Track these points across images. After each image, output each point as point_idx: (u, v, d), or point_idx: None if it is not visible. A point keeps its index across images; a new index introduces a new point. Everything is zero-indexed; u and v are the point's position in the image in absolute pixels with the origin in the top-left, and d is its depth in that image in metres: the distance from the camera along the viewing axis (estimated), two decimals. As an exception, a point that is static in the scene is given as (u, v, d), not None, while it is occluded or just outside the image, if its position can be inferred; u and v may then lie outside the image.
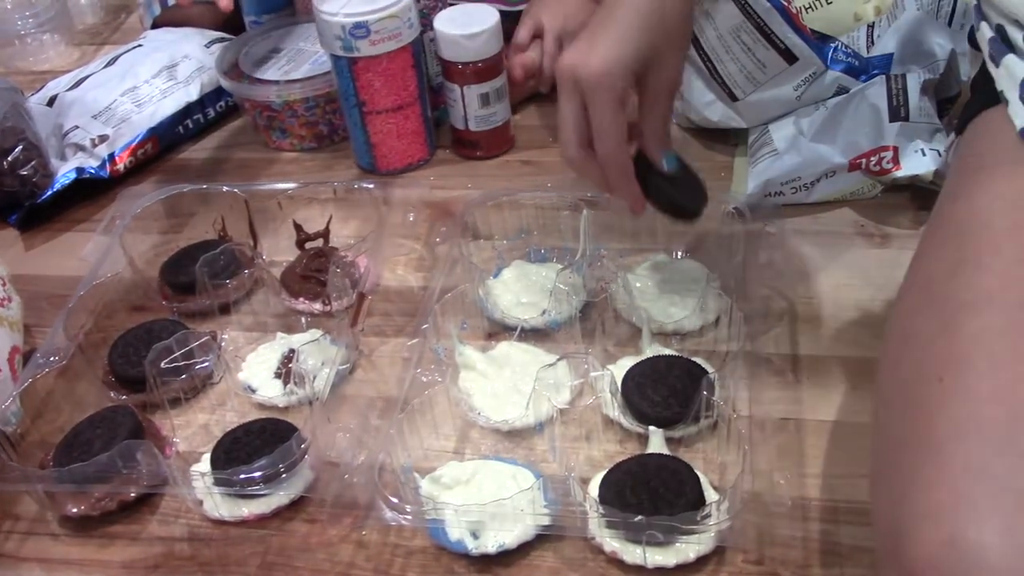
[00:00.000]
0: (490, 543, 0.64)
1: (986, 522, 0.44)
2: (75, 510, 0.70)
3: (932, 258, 0.59)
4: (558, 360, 0.74)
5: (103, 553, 0.69)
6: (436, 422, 0.73)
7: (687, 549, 0.61)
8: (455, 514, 0.64)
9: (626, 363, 0.75)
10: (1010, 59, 0.59)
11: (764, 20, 0.86)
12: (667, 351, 0.76)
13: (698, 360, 0.74)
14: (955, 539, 0.44)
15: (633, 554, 0.62)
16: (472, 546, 0.64)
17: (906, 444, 0.51)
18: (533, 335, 0.80)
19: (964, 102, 0.66)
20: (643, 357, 0.75)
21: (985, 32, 0.63)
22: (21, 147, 0.98)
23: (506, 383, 0.75)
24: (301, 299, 0.86)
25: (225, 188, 0.94)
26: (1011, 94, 0.58)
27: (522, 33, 1.08)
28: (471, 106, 0.99)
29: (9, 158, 0.97)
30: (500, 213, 0.89)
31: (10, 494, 0.73)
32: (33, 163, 0.99)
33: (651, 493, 0.63)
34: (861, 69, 0.92)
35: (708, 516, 0.60)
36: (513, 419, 0.72)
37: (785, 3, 0.87)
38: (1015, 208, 0.56)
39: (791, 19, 0.87)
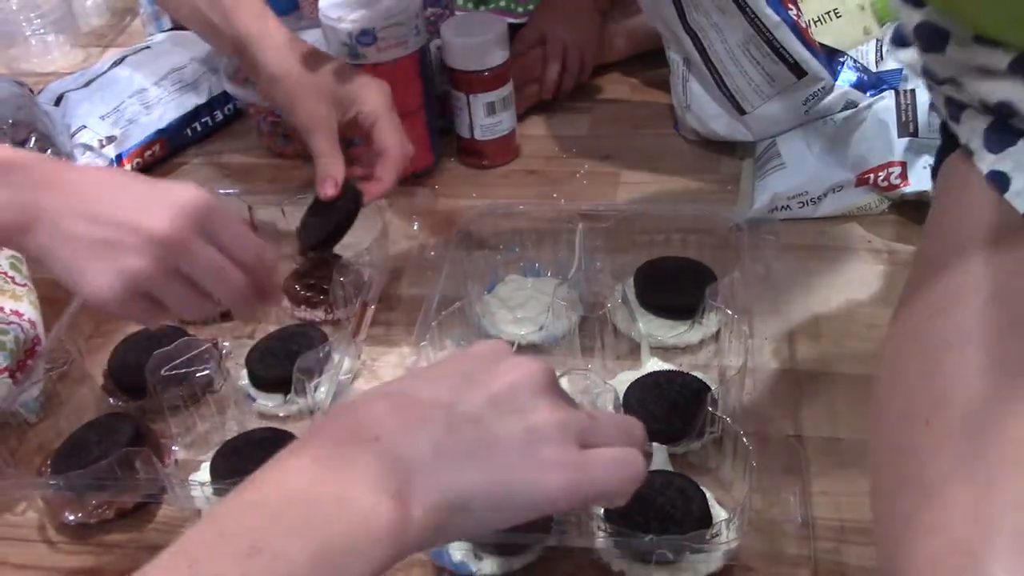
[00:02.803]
0: (494, 565, 0.63)
1: (984, 566, 0.44)
2: (72, 517, 0.70)
3: (914, 299, 0.60)
4: (560, 376, 0.73)
5: (100, 561, 0.68)
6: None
7: (696, 568, 0.61)
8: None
9: (625, 378, 0.74)
10: (968, 113, 0.59)
11: (773, 34, 0.86)
12: (667, 366, 0.76)
13: (697, 374, 0.74)
14: None
15: (641, 573, 0.61)
16: (475, 568, 0.63)
17: (899, 490, 0.51)
18: (530, 351, 0.79)
19: (938, 145, 0.67)
20: (643, 372, 0.75)
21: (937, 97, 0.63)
22: (35, 139, 0.98)
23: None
24: (303, 307, 0.85)
25: (228, 193, 0.93)
26: (975, 144, 0.59)
27: (525, 39, 1.08)
28: (477, 115, 0.99)
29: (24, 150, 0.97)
30: (496, 225, 0.88)
31: (7, 501, 0.72)
32: (48, 153, 0.99)
33: (657, 511, 0.63)
34: (870, 84, 0.91)
35: (718, 535, 0.60)
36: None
37: (795, 17, 0.87)
38: (990, 245, 0.56)
39: (800, 33, 0.87)
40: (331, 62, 0.85)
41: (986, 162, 0.57)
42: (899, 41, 0.67)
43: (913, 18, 0.60)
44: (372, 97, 0.83)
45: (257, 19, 0.86)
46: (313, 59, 0.85)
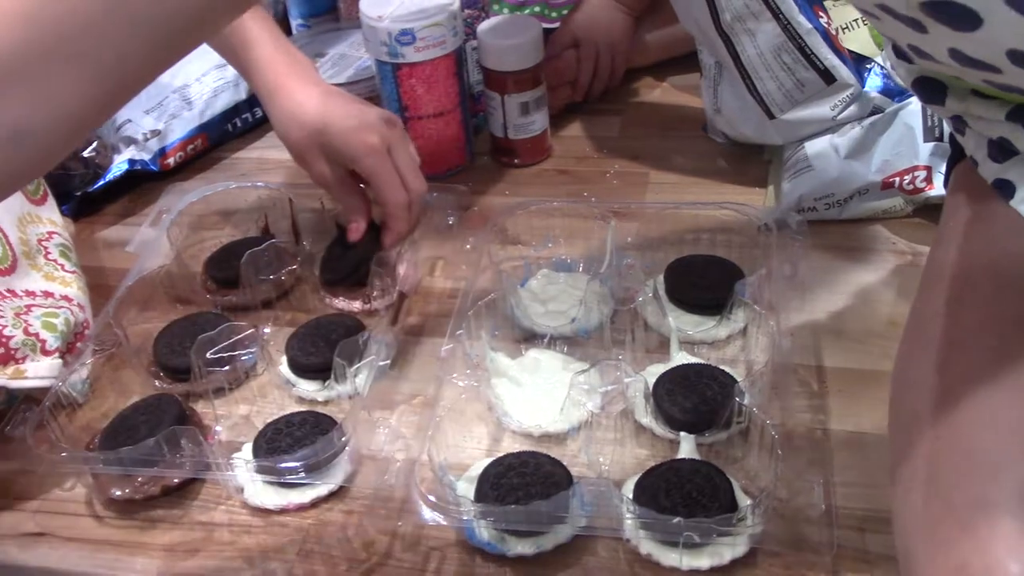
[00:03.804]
0: (526, 546, 0.65)
1: (990, 549, 0.46)
2: (119, 493, 0.72)
3: (921, 302, 0.62)
4: (592, 366, 0.75)
5: (145, 536, 0.71)
6: (469, 425, 0.75)
7: (722, 552, 0.63)
8: (492, 517, 0.65)
9: (654, 370, 0.77)
10: (971, 128, 0.61)
11: (805, 40, 0.88)
12: (695, 359, 0.78)
13: (725, 368, 0.76)
14: (964, 567, 0.46)
15: (668, 556, 0.63)
16: (507, 549, 0.65)
17: (911, 482, 0.53)
18: (562, 343, 0.82)
19: (949, 154, 0.69)
20: (672, 365, 0.77)
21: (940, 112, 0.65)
22: None
23: (537, 389, 0.77)
24: (341, 297, 0.88)
25: (270, 186, 0.96)
26: (979, 155, 0.60)
27: (558, 42, 1.10)
28: (511, 114, 1.01)
29: None
30: (529, 221, 0.91)
31: (58, 476, 0.75)
32: (94, 145, 1.02)
33: (685, 497, 0.65)
34: (897, 90, 0.93)
35: (743, 519, 0.62)
36: (546, 424, 0.74)
37: (826, 25, 0.89)
38: (989, 247, 0.59)
39: (831, 41, 0.89)
40: (326, 121, 0.84)
41: (991, 171, 0.59)
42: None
43: (909, 73, 0.62)
44: (361, 154, 0.83)
45: (264, 77, 0.87)
46: (312, 119, 0.84)
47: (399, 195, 0.85)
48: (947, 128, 0.88)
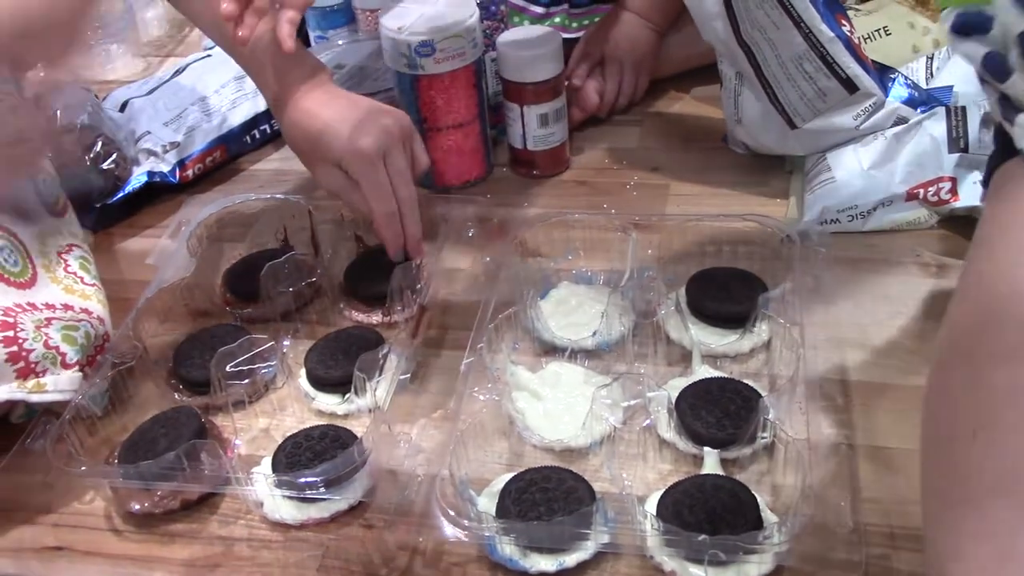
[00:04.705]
0: (549, 562, 0.65)
1: None
2: (138, 507, 0.72)
3: (959, 313, 0.60)
4: (614, 380, 0.75)
5: (164, 550, 0.70)
6: (491, 439, 0.74)
7: (748, 570, 0.62)
8: (514, 533, 0.65)
9: (676, 384, 0.76)
10: (1023, 117, 0.59)
11: (827, 49, 0.87)
12: (718, 373, 0.77)
13: (748, 382, 0.75)
14: None
15: (693, 574, 0.62)
16: (529, 565, 0.65)
17: (947, 501, 0.51)
18: (583, 356, 0.81)
19: (990, 154, 0.67)
20: (694, 379, 0.76)
21: (990, 95, 0.63)
22: (101, 143, 1.02)
23: (558, 403, 0.76)
24: (361, 310, 0.87)
25: (289, 198, 0.96)
26: None
27: (584, 58, 1.09)
28: (530, 126, 1.01)
29: (91, 154, 1.01)
30: (549, 233, 0.90)
31: (77, 489, 0.75)
32: (114, 157, 1.03)
33: (709, 513, 0.64)
34: (921, 100, 0.92)
35: (770, 536, 0.61)
36: (568, 438, 0.73)
37: (848, 33, 0.88)
38: None
39: (853, 49, 0.88)
40: (324, 127, 0.84)
41: None
42: (961, 29, 0.65)
43: (1021, 24, 0.57)
44: (349, 159, 0.83)
45: (275, 89, 0.87)
46: (312, 126, 0.84)
47: (383, 205, 0.84)
48: (985, 136, 0.86)
